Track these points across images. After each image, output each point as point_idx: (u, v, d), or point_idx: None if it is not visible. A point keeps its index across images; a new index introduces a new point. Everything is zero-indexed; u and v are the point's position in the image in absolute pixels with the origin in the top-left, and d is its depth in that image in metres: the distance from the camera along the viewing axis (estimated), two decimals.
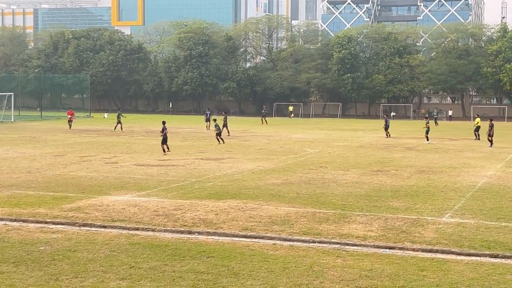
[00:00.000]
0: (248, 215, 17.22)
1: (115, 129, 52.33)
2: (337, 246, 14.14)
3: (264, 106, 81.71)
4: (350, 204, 19.00)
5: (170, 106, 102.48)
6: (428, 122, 44.07)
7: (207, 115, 59.43)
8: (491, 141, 40.45)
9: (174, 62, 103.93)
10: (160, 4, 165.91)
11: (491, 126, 40.58)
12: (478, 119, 46.24)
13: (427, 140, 42.71)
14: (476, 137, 45.15)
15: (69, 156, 32.39)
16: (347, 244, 14.23)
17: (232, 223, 16.17)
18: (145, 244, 14.12)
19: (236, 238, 14.80)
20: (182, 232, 15.36)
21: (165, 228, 15.65)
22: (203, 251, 13.58)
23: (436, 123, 69.33)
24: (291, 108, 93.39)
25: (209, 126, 54.28)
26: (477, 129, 45.23)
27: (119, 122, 53.14)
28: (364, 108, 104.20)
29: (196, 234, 15.21)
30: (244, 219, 16.71)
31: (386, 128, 48.34)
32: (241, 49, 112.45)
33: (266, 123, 68.52)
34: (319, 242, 14.41)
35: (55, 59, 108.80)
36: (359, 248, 14.01)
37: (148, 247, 13.87)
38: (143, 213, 17.35)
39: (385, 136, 47.79)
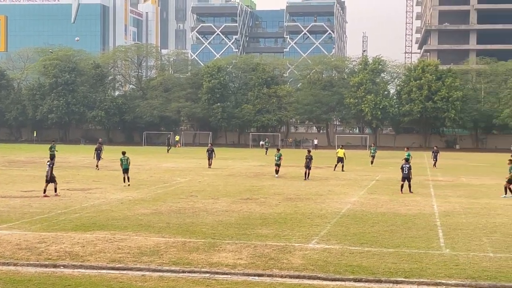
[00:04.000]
0: (116, 246, 16.84)
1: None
2: (207, 275, 14.12)
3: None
4: (220, 232, 19.07)
5: (35, 135, 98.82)
6: (279, 155, 40.02)
7: (100, 148, 47.25)
8: (307, 173, 38.35)
9: (39, 90, 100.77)
10: (24, 30, 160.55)
11: (310, 158, 38.55)
12: (339, 150, 46.94)
13: (276, 173, 39.70)
14: (340, 167, 45.05)
15: None
16: (217, 273, 14.24)
17: (100, 255, 15.74)
18: (6, 280, 13.43)
19: (104, 271, 14.41)
20: (46, 266, 14.75)
21: (28, 262, 14.96)
22: (69, 285, 13.10)
23: (266, 152, 70.73)
24: (177, 138, 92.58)
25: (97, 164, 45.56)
26: (339, 160, 45.63)
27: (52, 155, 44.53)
28: (234, 137, 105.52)
29: (62, 267, 14.66)
30: (112, 250, 16.32)
31: (210, 157, 47.00)
32: (110, 77, 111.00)
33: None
34: (189, 272, 14.32)
35: None
36: (229, 276, 14.06)
37: (9, 283, 13.20)
38: (4, 247, 16.51)
39: (208, 166, 46.60)
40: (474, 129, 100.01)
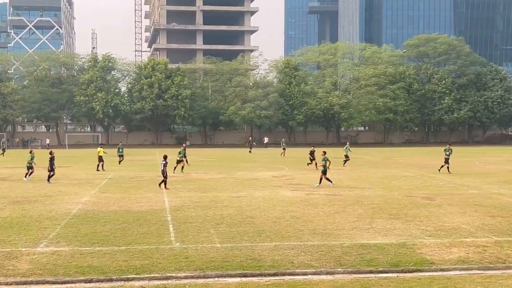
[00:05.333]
0: None
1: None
2: None
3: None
4: None
5: None
6: (32, 158, 37.54)
7: None
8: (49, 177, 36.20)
9: None
10: None
11: (52, 159, 36.52)
12: (100, 149, 45.23)
13: (26, 176, 37.19)
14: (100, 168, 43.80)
15: None
16: None
17: None
18: None
19: None
20: None
21: None
22: None
23: (2, 154, 67.55)
24: None
25: None
26: (100, 159, 44.15)
27: None
28: None
29: None
30: None
31: None
32: None
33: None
34: None
35: None
36: None
37: None
38: None
39: None
40: (203, 125, 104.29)
